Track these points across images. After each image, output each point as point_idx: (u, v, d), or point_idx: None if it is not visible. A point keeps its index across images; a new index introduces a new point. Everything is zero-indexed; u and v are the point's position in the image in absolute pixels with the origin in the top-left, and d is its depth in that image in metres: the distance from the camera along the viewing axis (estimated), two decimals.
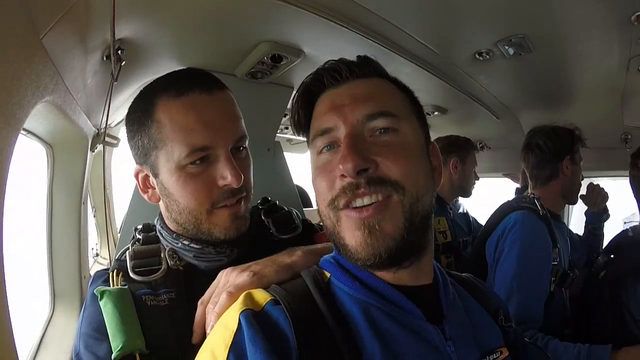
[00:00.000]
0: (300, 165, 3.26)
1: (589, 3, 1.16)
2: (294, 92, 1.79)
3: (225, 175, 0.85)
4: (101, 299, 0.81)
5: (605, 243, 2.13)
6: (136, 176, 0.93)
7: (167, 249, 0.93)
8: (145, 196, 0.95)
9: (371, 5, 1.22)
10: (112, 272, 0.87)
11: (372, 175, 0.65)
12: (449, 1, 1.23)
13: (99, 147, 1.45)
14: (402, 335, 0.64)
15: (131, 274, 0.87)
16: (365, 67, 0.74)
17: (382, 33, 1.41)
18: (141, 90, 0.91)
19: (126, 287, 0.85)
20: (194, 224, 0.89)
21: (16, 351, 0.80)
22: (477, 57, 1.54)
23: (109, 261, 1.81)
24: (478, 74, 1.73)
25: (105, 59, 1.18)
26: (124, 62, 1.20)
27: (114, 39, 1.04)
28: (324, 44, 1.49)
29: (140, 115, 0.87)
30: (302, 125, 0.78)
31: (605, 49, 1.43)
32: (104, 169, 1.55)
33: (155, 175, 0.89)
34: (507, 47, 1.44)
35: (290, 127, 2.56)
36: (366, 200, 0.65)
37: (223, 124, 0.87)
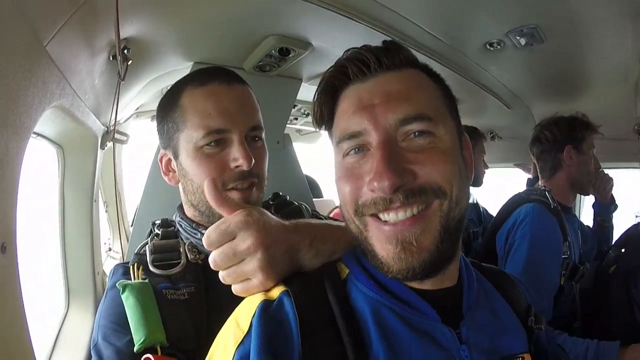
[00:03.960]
0: (310, 155, 3.27)
1: None
2: (303, 83, 1.81)
3: (237, 157, 0.91)
4: (123, 292, 0.84)
5: (616, 235, 2.11)
6: (160, 160, 1.02)
7: (187, 243, 0.96)
8: (166, 178, 1.02)
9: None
10: (133, 265, 0.90)
11: (410, 187, 0.61)
12: None
13: (109, 144, 1.46)
14: (411, 337, 0.63)
15: (151, 268, 0.90)
16: (395, 57, 0.66)
17: (391, 24, 1.39)
18: (173, 83, 1.01)
19: (147, 280, 0.88)
20: (206, 205, 0.93)
21: (33, 349, 0.82)
22: (488, 47, 1.51)
23: (121, 255, 1.84)
24: (489, 65, 1.69)
25: (111, 58, 1.18)
26: (130, 62, 1.21)
27: (119, 39, 1.04)
28: (331, 37, 1.47)
29: (168, 103, 0.98)
30: (325, 121, 0.73)
31: (618, 40, 1.39)
32: (114, 165, 1.56)
33: (176, 157, 0.96)
34: (518, 38, 1.40)
35: (299, 119, 2.56)
36: (400, 215, 0.61)
37: (238, 111, 0.94)
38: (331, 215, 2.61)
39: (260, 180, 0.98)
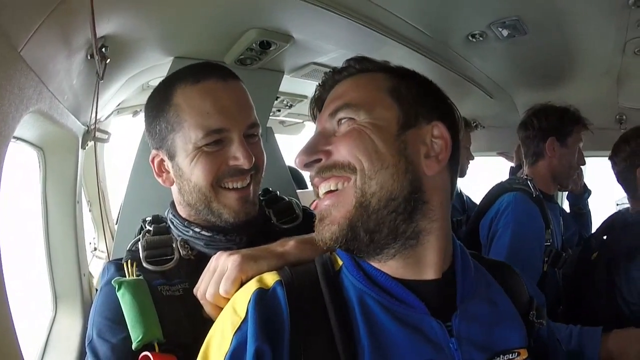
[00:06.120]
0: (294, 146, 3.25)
1: None
2: (285, 75, 1.79)
3: (238, 156, 0.91)
4: (119, 289, 0.83)
5: (595, 222, 2.17)
6: (152, 161, 0.99)
7: (179, 239, 0.96)
8: (160, 180, 1.00)
9: None
10: (126, 262, 0.90)
11: (323, 164, 0.72)
12: None
13: (90, 143, 1.43)
14: (397, 330, 0.65)
15: (144, 264, 0.90)
16: (345, 71, 0.80)
17: (372, 17, 1.38)
18: (161, 81, 0.98)
19: (141, 277, 0.87)
20: (205, 203, 0.94)
21: (21, 355, 0.82)
22: (470, 39, 1.51)
23: (107, 254, 1.83)
24: (472, 56, 1.69)
25: (89, 57, 1.15)
26: (109, 60, 1.18)
27: (95, 39, 1.01)
28: (313, 29, 1.47)
29: (159, 102, 0.94)
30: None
31: (601, 31, 1.40)
32: (97, 164, 1.54)
33: (172, 158, 0.94)
34: (500, 29, 1.41)
35: (282, 110, 2.55)
36: (322, 189, 0.72)
37: (237, 109, 0.92)
38: (312, 207, 2.62)
39: (258, 172, 0.99)
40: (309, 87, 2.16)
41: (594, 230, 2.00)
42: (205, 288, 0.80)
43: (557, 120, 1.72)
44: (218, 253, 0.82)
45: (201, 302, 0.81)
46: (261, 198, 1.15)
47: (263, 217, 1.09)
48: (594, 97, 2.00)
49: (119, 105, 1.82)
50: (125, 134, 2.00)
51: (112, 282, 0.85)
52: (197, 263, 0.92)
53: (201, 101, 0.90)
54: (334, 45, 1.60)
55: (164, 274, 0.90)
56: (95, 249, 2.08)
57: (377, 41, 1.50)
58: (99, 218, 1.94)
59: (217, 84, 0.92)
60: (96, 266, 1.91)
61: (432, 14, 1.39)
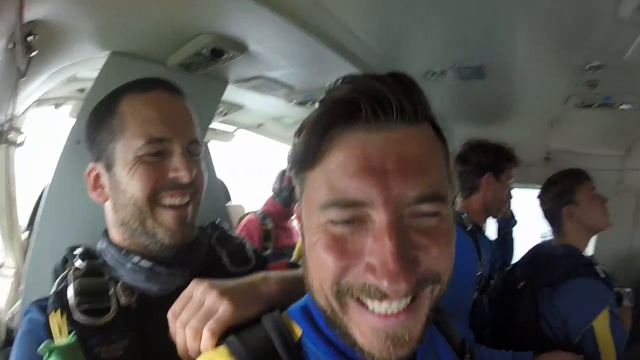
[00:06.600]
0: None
1: (551, 47, 1.19)
2: (228, 86, 1.67)
3: (178, 167, 0.86)
4: (48, 357, 0.71)
5: (518, 249, 2.39)
6: (88, 174, 0.92)
7: (119, 283, 0.84)
8: (94, 195, 0.92)
9: (330, 6, 1.16)
10: (55, 310, 0.77)
11: (419, 279, 0.52)
12: (411, 19, 1.20)
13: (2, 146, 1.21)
14: None
15: (76, 317, 0.77)
16: (417, 103, 0.53)
17: (333, 36, 1.35)
18: (107, 93, 0.94)
19: (74, 337, 0.75)
20: (139, 220, 0.86)
21: None
22: (429, 75, 1.53)
23: (15, 270, 1.57)
24: (424, 90, 1.73)
25: (12, 46, 0.96)
26: (34, 53, 1.00)
27: (21, 25, 0.86)
28: (272, 43, 1.40)
29: (103, 111, 0.91)
30: (304, 159, 0.57)
31: (551, 85, 1.51)
32: (7, 168, 1.30)
33: (109, 168, 0.88)
34: (461, 72, 1.44)
35: (214, 117, 2.41)
36: (394, 307, 0.52)
37: (180, 122, 0.91)
38: (242, 223, 2.56)
39: (197, 193, 0.92)
40: (247, 97, 2.07)
41: (517, 257, 2.17)
42: (186, 319, 0.70)
43: (494, 156, 1.81)
44: (206, 284, 0.71)
45: (176, 328, 0.71)
46: (209, 231, 1.05)
47: (212, 254, 1.00)
48: (527, 136, 2.18)
49: (38, 98, 1.57)
50: (41, 129, 1.74)
51: (39, 350, 0.72)
52: (139, 311, 0.83)
53: (146, 109, 0.88)
54: (289, 62, 1.54)
55: (100, 329, 0.78)
56: (1, 264, 1.74)
57: (332, 62, 1.46)
58: (8, 229, 1.63)
59: (163, 95, 0.91)
60: (1, 286, 1.62)
61: (396, 44, 1.40)
